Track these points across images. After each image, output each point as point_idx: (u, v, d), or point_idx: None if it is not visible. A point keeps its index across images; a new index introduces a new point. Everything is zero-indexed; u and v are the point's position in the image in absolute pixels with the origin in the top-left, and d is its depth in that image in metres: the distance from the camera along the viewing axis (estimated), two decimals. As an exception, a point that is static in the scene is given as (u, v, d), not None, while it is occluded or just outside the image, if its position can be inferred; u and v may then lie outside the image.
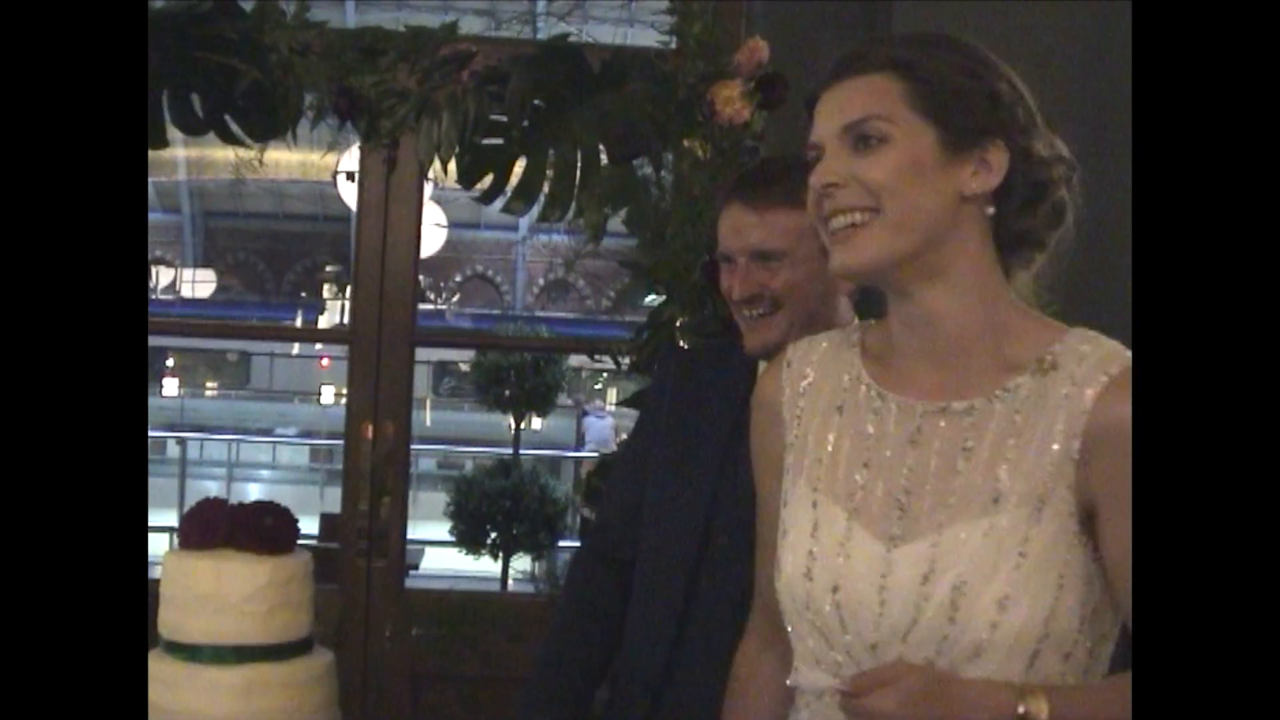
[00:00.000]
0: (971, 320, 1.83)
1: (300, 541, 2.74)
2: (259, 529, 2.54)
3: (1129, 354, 1.73)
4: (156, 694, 2.52)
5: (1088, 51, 3.76)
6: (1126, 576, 1.69)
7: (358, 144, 3.77)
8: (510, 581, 8.29)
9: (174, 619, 2.52)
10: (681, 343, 3.37)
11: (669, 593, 2.69)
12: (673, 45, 3.53)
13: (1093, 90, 3.59)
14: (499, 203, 3.59)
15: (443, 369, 24.77)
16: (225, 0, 3.38)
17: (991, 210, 1.81)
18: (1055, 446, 1.75)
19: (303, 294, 27.86)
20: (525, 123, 3.42)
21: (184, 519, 2.60)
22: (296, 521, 2.65)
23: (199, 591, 2.49)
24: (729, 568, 2.60)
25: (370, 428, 4.68)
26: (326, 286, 25.96)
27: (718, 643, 2.45)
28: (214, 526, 2.54)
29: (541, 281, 29.76)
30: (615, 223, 3.54)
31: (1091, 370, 1.75)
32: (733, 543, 2.61)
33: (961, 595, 1.74)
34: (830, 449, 1.91)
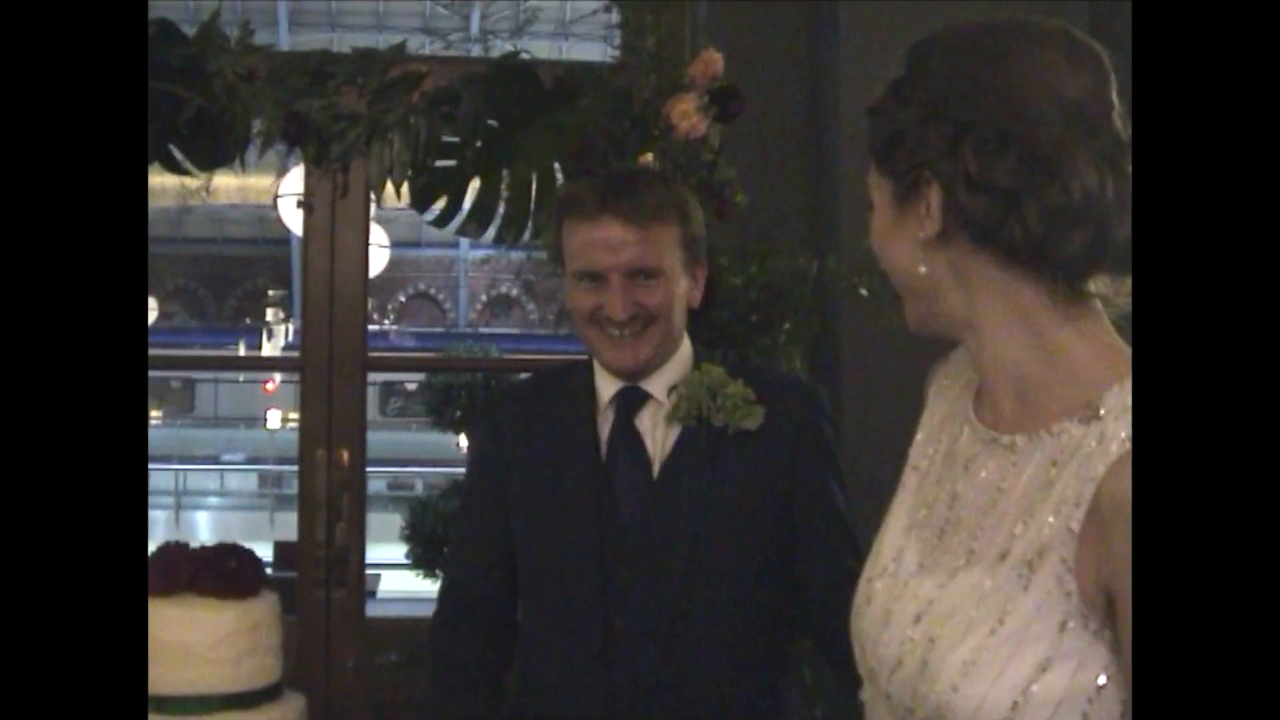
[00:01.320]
0: (1014, 360, 1.65)
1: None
2: (223, 572, 2.47)
3: None
4: (122, 747, 2.45)
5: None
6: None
7: (300, 167, 3.70)
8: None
9: (139, 669, 2.45)
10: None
11: (582, 646, 2.61)
12: (615, 58, 3.48)
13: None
14: (441, 220, 3.52)
15: (389, 389, 24.68)
16: (167, 26, 3.29)
17: (960, 242, 1.62)
18: (1061, 510, 1.56)
19: (246, 319, 27.70)
20: (479, 143, 3.35)
21: (146, 565, 2.52)
22: (261, 563, 2.58)
23: (164, 640, 2.41)
24: (641, 601, 2.57)
25: (324, 454, 4.62)
26: (270, 311, 25.81)
27: (641, 653, 2.53)
28: (176, 572, 2.47)
29: (484, 298, 29.72)
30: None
31: (1114, 434, 1.54)
32: (634, 575, 2.59)
33: (932, 649, 1.61)
34: (926, 462, 1.81)
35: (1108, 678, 1.54)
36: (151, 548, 2.64)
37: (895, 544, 1.76)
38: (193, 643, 2.41)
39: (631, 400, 2.68)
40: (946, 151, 1.60)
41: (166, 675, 2.41)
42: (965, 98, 1.60)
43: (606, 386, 2.70)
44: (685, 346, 2.72)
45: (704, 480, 2.59)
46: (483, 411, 3.23)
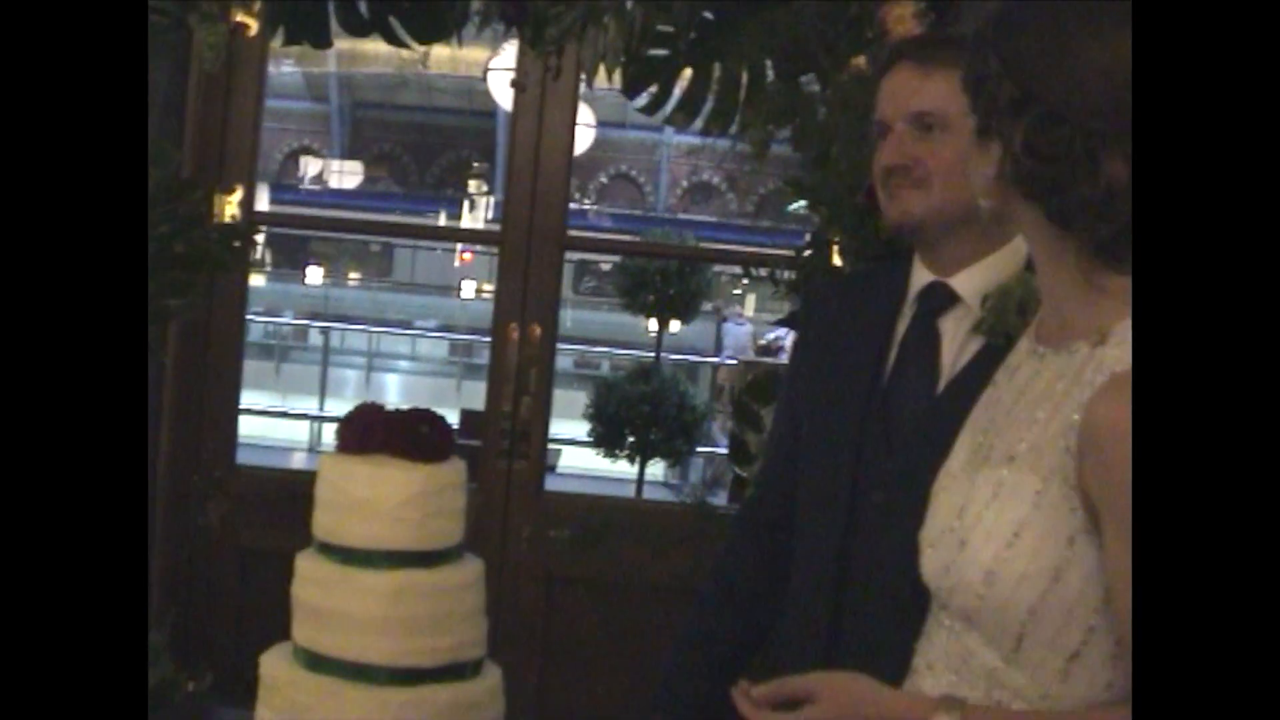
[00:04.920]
0: (1052, 284, 1.76)
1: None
2: (415, 436, 2.54)
3: None
4: (309, 593, 2.55)
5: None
6: (1120, 597, 1.61)
7: (514, 43, 3.75)
8: (645, 487, 8.33)
9: (328, 522, 2.54)
10: (837, 261, 3.31)
11: (818, 570, 2.36)
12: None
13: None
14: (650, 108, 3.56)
15: (583, 268, 24.84)
16: (396, -97, 3.36)
17: (1021, 197, 1.72)
18: (1064, 436, 1.66)
19: (449, 189, 27.99)
20: (692, 34, 3.37)
21: (341, 423, 2.61)
22: (451, 430, 2.65)
23: (354, 496, 2.50)
24: (884, 534, 2.22)
25: (516, 328, 4.71)
26: (473, 183, 26.05)
27: (876, 633, 2.14)
28: (371, 432, 2.55)
29: (685, 184, 29.67)
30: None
31: (1115, 361, 1.64)
32: (888, 499, 2.25)
33: (963, 553, 1.74)
34: (1001, 374, 1.91)
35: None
36: (344, 407, 2.72)
37: (960, 442, 1.87)
38: (382, 499, 2.49)
39: (937, 298, 2.33)
40: (1009, 112, 1.68)
41: (355, 529, 2.50)
42: (1037, 70, 1.67)
43: (917, 279, 2.37)
44: (1015, 246, 2.25)
45: None
46: (805, 295, 3.05)
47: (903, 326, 2.35)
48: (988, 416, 1.83)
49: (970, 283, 2.30)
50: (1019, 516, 1.68)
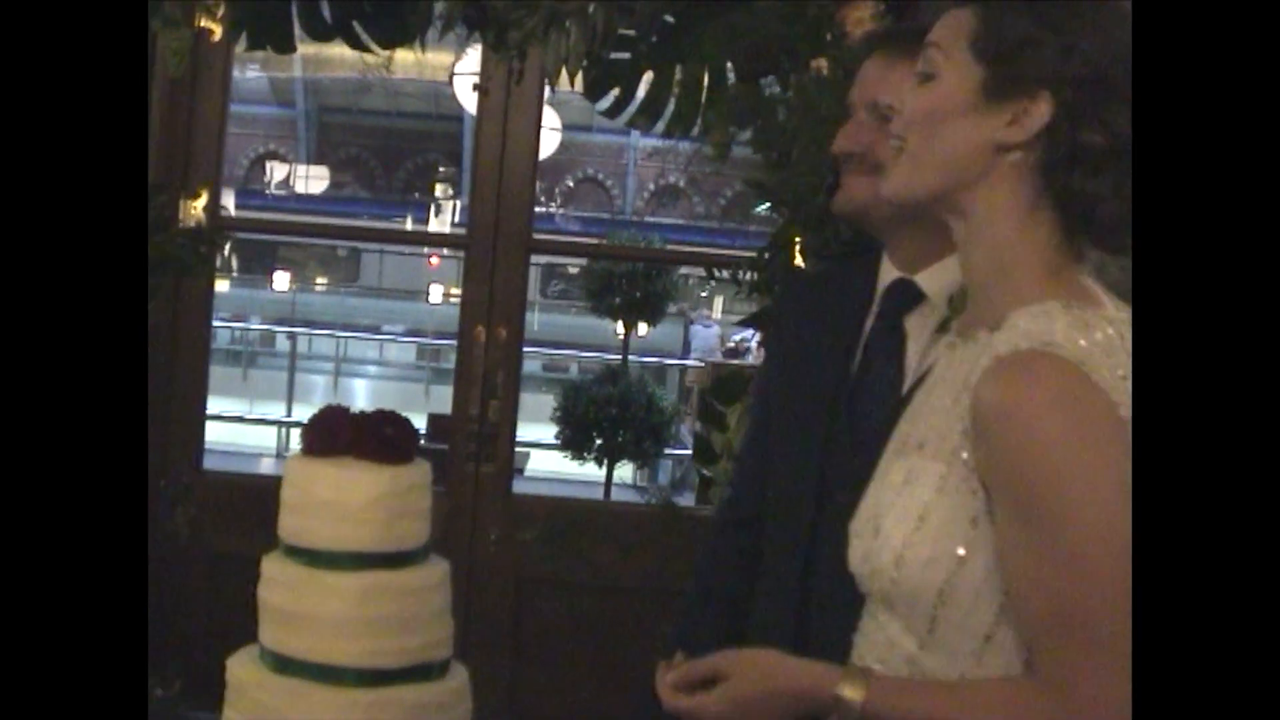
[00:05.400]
0: (981, 264, 1.78)
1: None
2: (380, 438, 2.55)
3: (1051, 342, 1.63)
4: (277, 595, 2.56)
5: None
6: (1011, 578, 1.66)
7: (478, 47, 3.77)
8: (614, 489, 8.35)
9: (295, 524, 2.54)
10: (799, 263, 3.33)
11: (784, 571, 2.37)
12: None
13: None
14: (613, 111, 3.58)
15: (551, 271, 24.83)
16: (357, -93, 3.38)
17: (1027, 159, 1.73)
18: (961, 418, 1.70)
19: (415, 193, 27.94)
20: (654, 38, 3.40)
21: (307, 425, 2.61)
22: (416, 431, 2.66)
23: (320, 498, 2.51)
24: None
25: (483, 331, 4.72)
26: (439, 186, 26.01)
27: (842, 633, 2.00)
28: (337, 434, 2.55)
29: (652, 186, 29.68)
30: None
31: (1000, 345, 1.67)
32: (853, 499, 2.07)
33: (876, 538, 1.78)
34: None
35: None
36: (311, 411, 2.73)
37: (893, 437, 1.89)
38: (347, 502, 2.49)
39: (902, 296, 2.32)
40: (1074, 84, 1.69)
41: (321, 531, 2.51)
42: (1105, 52, 1.69)
43: (885, 277, 2.36)
44: None
45: None
46: (777, 293, 2.98)
47: (870, 324, 2.35)
48: (913, 409, 1.86)
49: (936, 280, 2.28)
50: (924, 500, 1.72)
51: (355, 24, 3.44)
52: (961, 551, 1.69)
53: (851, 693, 1.71)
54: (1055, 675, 1.62)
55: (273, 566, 2.58)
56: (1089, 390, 1.60)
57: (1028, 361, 1.63)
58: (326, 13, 3.45)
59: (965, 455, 1.69)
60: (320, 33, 3.45)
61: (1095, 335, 1.65)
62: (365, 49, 3.48)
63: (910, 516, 1.73)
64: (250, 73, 23.35)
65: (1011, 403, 1.61)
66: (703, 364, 13.11)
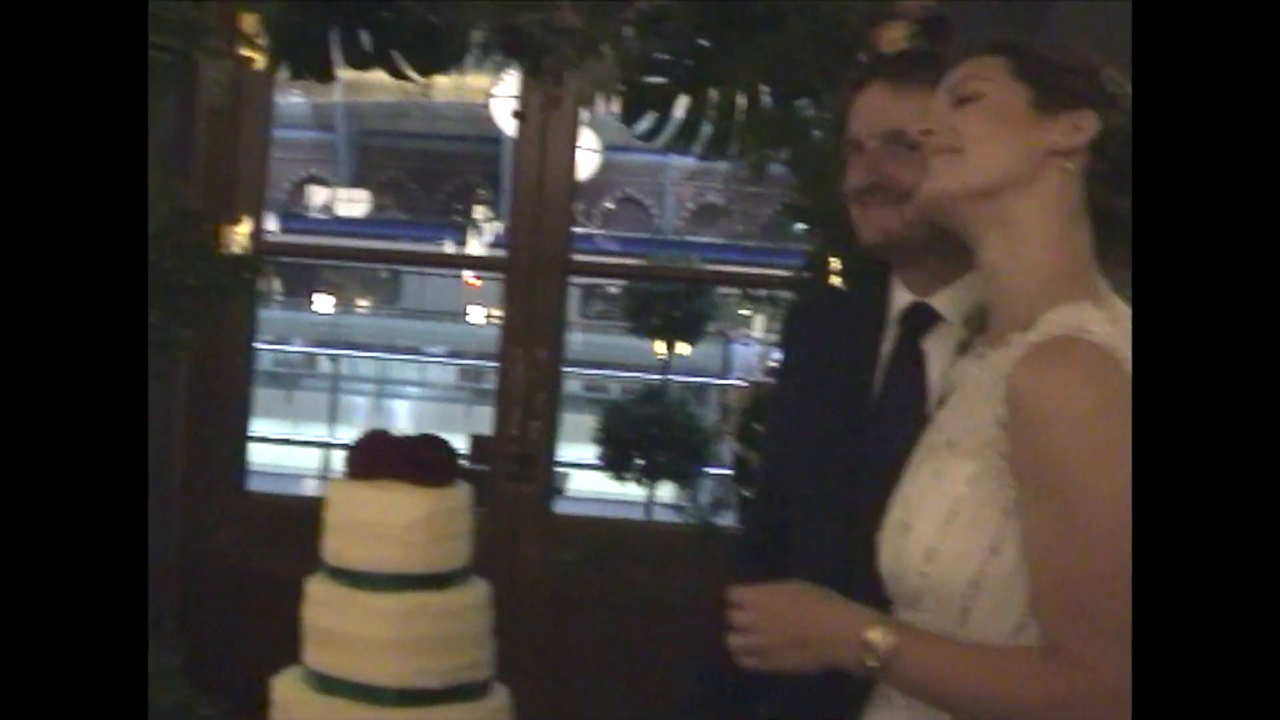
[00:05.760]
0: (1018, 270, 1.83)
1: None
2: (421, 461, 2.59)
3: (1084, 329, 1.70)
4: (320, 616, 2.60)
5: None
6: (1035, 564, 1.69)
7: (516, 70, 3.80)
8: (655, 509, 8.35)
9: (338, 546, 2.58)
10: (836, 282, 3.34)
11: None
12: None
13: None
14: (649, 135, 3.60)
15: (591, 291, 24.83)
16: (393, -63, 3.41)
17: (1075, 167, 1.82)
18: (995, 409, 1.75)
19: (455, 215, 28.00)
20: (689, 61, 3.42)
21: (350, 450, 2.65)
22: (456, 454, 2.70)
23: (363, 520, 2.54)
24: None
25: (523, 352, 4.75)
26: (479, 208, 26.05)
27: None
28: (378, 458, 2.60)
29: (691, 205, 29.66)
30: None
31: (1034, 336, 1.74)
32: (879, 516, 2.09)
33: (908, 534, 1.83)
34: None
35: None
36: (353, 434, 2.77)
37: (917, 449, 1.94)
38: (389, 524, 2.53)
39: (920, 318, 2.32)
40: (1108, 99, 1.82)
41: (363, 553, 2.55)
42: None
43: (898, 299, 2.36)
44: None
45: None
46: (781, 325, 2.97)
47: (886, 348, 2.35)
48: (939, 422, 1.92)
49: (952, 302, 2.27)
50: (955, 495, 1.76)
51: (394, 52, 3.47)
52: (993, 543, 1.73)
53: (881, 636, 1.74)
54: (1074, 651, 1.65)
55: (317, 588, 2.62)
56: (1119, 375, 1.65)
57: (1063, 346, 1.70)
58: (366, 42, 3.49)
59: (1001, 445, 1.73)
60: (360, 62, 3.49)
61: (1124, 325, 1.71)
62: (404, 77, 3.52)
63: (941, 511, 1.77)
64: (292, 98, 23.47)
65: (1046, 382, 1.67)
66: (744, 384, 13.09)
